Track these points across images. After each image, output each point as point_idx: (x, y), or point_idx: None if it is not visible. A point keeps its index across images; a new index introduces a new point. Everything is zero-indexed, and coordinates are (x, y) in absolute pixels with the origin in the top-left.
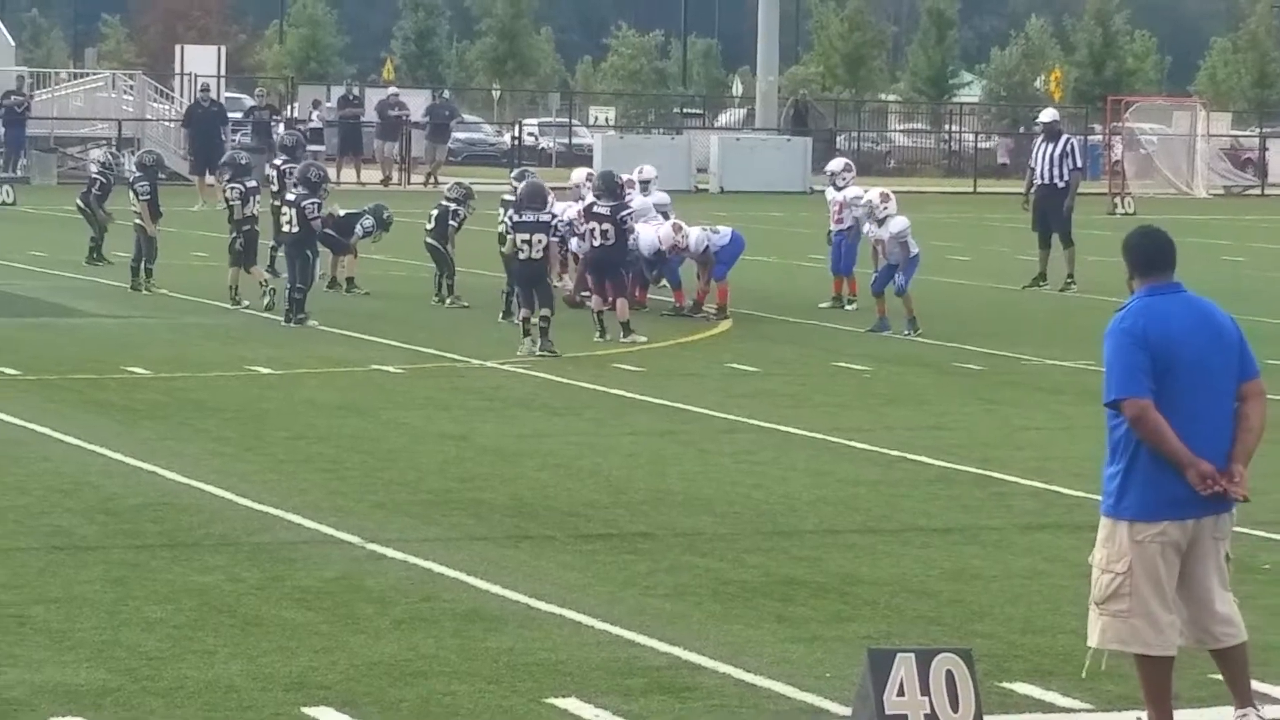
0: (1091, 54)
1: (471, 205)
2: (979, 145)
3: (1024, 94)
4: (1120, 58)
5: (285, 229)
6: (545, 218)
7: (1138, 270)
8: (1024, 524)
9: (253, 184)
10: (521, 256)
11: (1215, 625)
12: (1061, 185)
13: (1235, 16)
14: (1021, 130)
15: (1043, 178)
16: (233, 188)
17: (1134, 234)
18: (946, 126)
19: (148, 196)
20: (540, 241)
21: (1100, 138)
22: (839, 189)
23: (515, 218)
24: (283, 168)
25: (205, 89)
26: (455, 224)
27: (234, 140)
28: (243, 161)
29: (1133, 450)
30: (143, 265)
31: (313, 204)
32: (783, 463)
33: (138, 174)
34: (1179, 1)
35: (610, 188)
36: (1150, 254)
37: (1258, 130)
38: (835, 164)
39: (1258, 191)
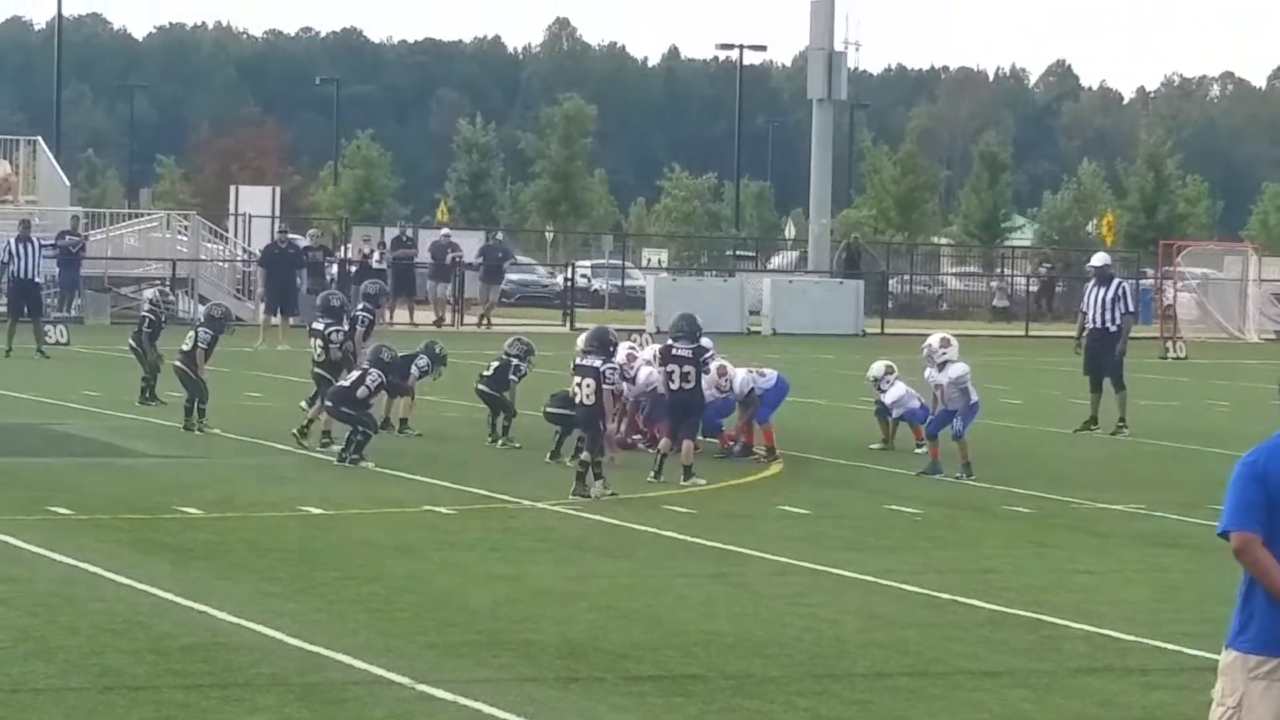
0: (1143, 198)
1: (532, 361)
2: (1030, 289)
3: (1076, 238)
4: (1172, 202)
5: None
6: (597, 363)
7: None
8: (1074, 668)
9: (341, 331)
10: (575, 400)
11: None
12: (1113, 329)
13: None
14: (1044, 268)
15: (1094, 321)
16: (318, 332)
17: None
18: (998, 270)
19: (205, 345)
20: (589, 386)
21: (1152, 281)
22: (883, 392)
23: (577, 360)
24: (359, 314)
25: (284, 230)
26: (516, 379)
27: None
28: (335, 304)
29: (1250, 583)
30: (195, 405)
31: (337, 331)
32: (834, 605)
33: (202, 323)
34: (1231, 147)
35: (691, 330)
36: None
37: None
38: (876, 369)
39: None
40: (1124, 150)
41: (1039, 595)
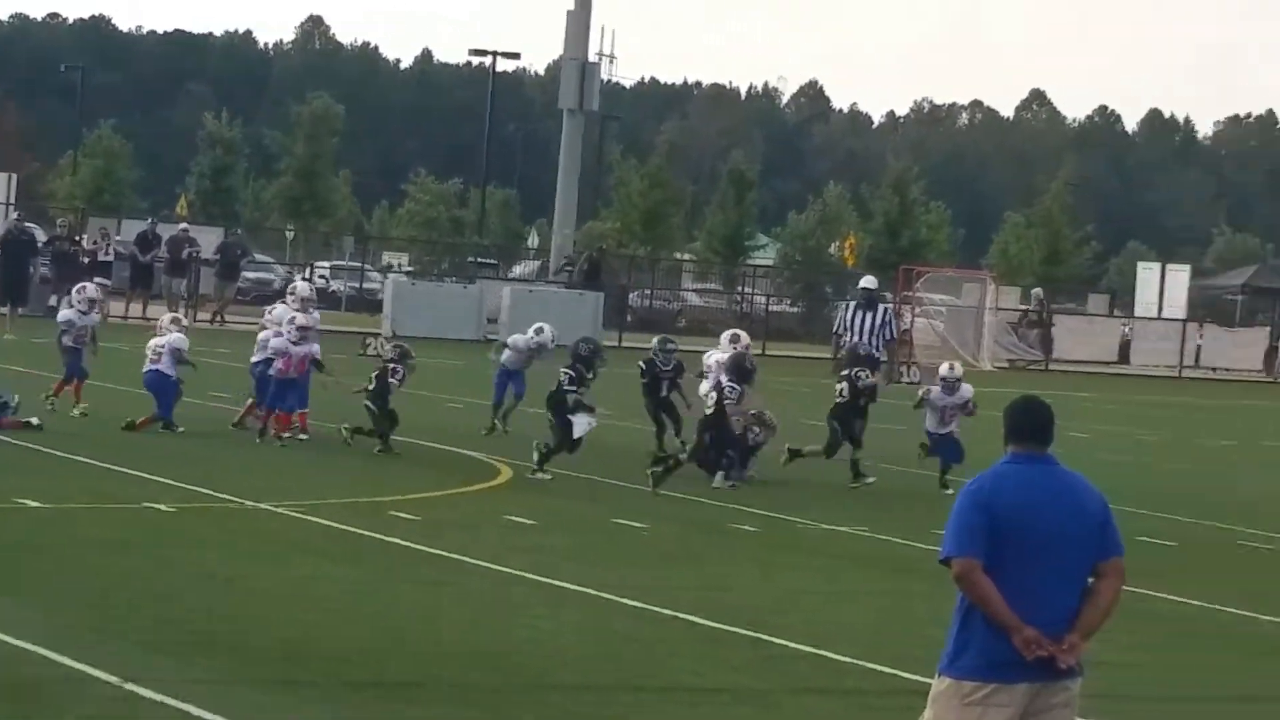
0: (887, 222)
1: (410, 363)
2: (770, 308)
3: (819, 259)
4: (915, 227)
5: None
6: None
7: (1010, 437)
8: (794, 687)
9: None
10: None
11: None
12: (878, 355)
13: (1030, 193)
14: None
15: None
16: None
17: (1015, 402)
18: (739, 288)
19: None
20: None
21: (891, 305)
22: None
23: None
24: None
25: (21, 217)
26: (396, 381)
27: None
28: (584, 353)
29: (968, 609)
30: None
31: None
32: (556, 617)
33: None
34: (978, 175)
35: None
36: (1022, 423)
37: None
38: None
39: (1041, 366)
40: (872, 173)
41: (762, 614)
